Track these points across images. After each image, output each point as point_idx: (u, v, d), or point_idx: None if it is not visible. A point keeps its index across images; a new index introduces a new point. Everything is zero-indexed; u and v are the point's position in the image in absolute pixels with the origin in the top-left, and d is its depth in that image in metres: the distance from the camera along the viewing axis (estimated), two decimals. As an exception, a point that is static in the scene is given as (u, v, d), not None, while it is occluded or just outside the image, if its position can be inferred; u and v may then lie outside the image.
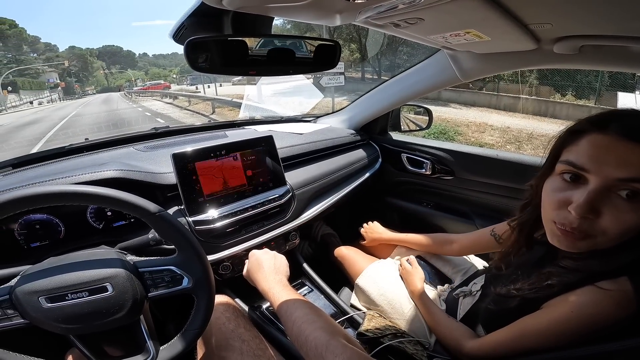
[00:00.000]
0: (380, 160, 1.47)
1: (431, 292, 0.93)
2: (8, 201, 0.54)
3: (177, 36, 0.59)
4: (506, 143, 6.51)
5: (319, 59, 0.61)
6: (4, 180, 0.94)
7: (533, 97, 9.41)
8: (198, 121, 10.65)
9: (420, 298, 0.89)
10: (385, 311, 0.94)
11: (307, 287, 1.10)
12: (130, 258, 0.66)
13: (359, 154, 1.40)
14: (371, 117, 1.43)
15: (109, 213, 0.89)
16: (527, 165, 1.07)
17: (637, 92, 7.84)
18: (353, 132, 1.45)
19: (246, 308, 0.98)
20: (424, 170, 1.34)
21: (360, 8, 0.47)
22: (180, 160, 0.87)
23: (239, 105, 10.66)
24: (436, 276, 1.03)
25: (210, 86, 21.05)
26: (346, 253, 1.19)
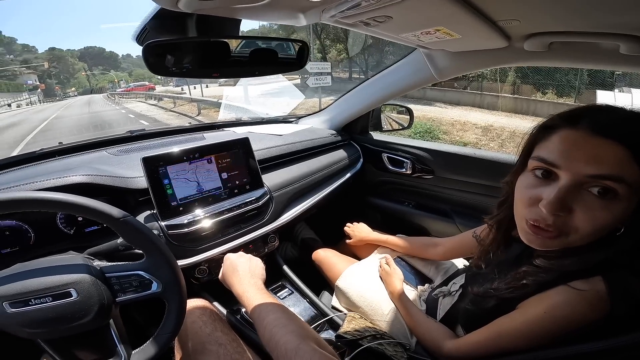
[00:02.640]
0: (361, 160, 1.46)
1: (411, 292, 0.93)
2: None
3: (141, 39, 0.57)
4: (490, 141, 6.62)
5: (287, 59, 0.59)
6: None
7: (515, 95, 9.63)
8: (184, 123, 10.50)
9: (399, 299, 0.88)
10: (365, 312, 0.93)
11: (287, 289, 1.08)
12: (97, 263, 0.65)
13: (340, 154, 1.39)
14: (352, 117, 1.42)
15: (80, 219, 0.86)
16: (503, 163, 1.08)
17: (615, 90, 8.09)
18: (334, 132, 1.44)
19: (224, 311, 0.96)
20: (404, 170, 1.34)
21: (323, 7, 0.46)
22: (150, 164, 0.85)
23: (224, 106, 10.57)
24: (416, 276, 1.02)
25: (197, 87, 20.73)
26: (324, 256, 1.18)
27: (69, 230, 0.85)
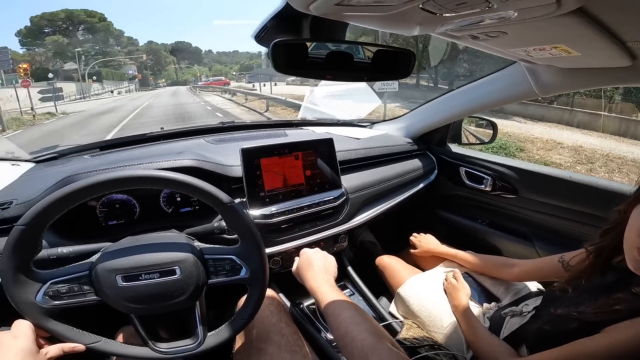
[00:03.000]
0: (436, 172, 1.43)
1: (475, 308, 0.92)
2: (109, 180, 0.58)
3: (259, 37, 0.60)
4: (576, 163, 5.90)
5: (394, 68, 0.61)
6: (93, 161, 1.06)
7: (612, 114, 8.40)
8: (253, 117, 11.15)
9: (463, 313, 0.88)
10: (423, 322, 0.95)
11: (348, 289, 1.11)
12: (197, 244, 0.68)
13: (415, 163, 1.38)
14: (431, 127, 1.40)
15: (179, 199, 0.95)
16: (604, 190, 0.98)
17: None
18: (410, 141, 1.43)
19: (288, 304, 1.00)
20: (483, 186, 1.28)
21: (443, 21, 0.47)
22: (247, 155, 0.92)
23: (292, 105, 10.96)
24: (482, 294, 1.00)
25: (266, 85, 21.82)
26: (388, 262, 1.20)
27: (168, 208, 0.94)
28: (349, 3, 0.42)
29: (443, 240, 1.20)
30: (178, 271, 0.60)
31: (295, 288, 0.98)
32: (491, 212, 1.33)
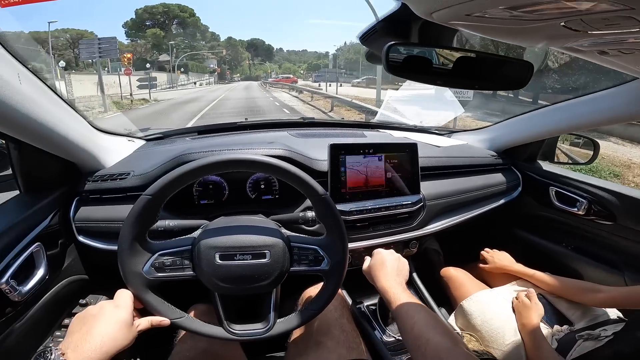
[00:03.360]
0: (519, 189, 1.34)
1: (544, 329, 0.91)
2: (228, 160, 0.63)
3: (365, 38, 0.62)
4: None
5: (508, 77, 0.59)
6: (194, 143, 1.19)
7: None
8: (318, 116, 11.42)
9: (531, 332, 0.87)
10: (483, 337, 0.95)
11: None
12: (284, 231, 0.69)
13: (497, 178, 1.31)
14: (522, 142, 1.31)
15: (262, 186, 1.00)
16: None
17: None
18: (494, 154, 1.36)
19: (350, 301, 1.02)
20: (575, 210, 1.17)
21: (581, 38, 0.45)
22: (335, 151, 0.95)
23: (356, 107, 10.96)
24: (554, 316, 0.98)
25: (332, 85, 22.11)
26: (454, 274, 1.18)
27: (252, 194, 1.00)
28: (482, 15, 0.43)
29: (517, 259, 1.15)
30: (268, 255, 0.62)
31: (358, 287, 1.01)
32: (579, 237, 1.22)
